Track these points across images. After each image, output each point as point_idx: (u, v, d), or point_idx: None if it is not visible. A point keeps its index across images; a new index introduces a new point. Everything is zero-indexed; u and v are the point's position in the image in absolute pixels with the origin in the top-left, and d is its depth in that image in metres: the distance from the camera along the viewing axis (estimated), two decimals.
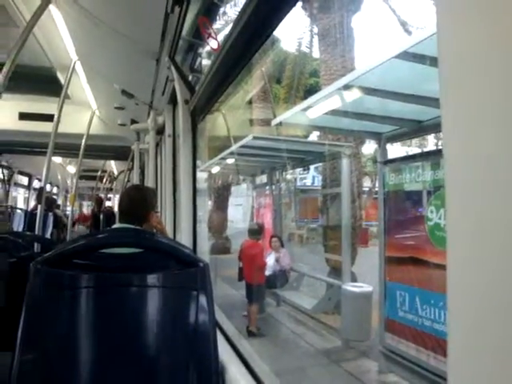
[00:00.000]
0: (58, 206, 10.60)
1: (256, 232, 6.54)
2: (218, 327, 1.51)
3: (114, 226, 2.14)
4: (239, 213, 15.54)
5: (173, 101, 3.69)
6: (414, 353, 3.92)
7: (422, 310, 3.86)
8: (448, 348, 0.43)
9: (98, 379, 1.26)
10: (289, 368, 4.52)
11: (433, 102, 3.74)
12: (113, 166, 11.94)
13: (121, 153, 7.36)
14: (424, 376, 3.72)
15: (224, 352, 1.47)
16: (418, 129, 4.47)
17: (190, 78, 3.11)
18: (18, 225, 8.47)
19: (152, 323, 1.32)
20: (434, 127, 4.24)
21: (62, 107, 4.13)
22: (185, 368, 1.30)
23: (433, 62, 3.24)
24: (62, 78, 4.49)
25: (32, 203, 10.16)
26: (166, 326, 1.33)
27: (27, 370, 1.22)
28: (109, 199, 15.09)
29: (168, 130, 3.86)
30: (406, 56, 3.42)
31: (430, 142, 13.00)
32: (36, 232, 4.13)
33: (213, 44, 2.34)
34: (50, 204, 6.53)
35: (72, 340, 1.26)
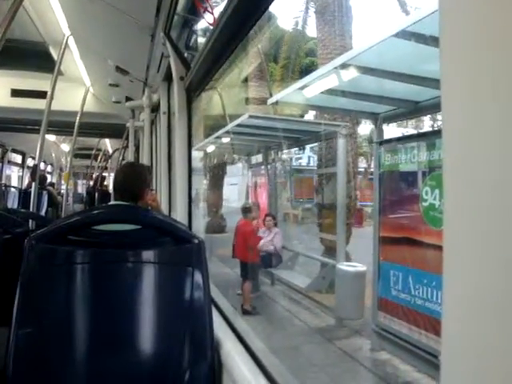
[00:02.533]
0: (52, 184, 10.56)
1: (250, 211, 6.56)
2: (213, 304, 1.52)
3: (109, 204, 2.14)
4: (234, 192, 15.51)
5: (168, 78, 3.64)
6: (405, 331, 3.98)
7: (415, 289, 3.90)
8: (442, 329, 0.43)
9: (94, 353, 1.27)
10: (283, 345, 4.58)
11: (430, 82, 3.71)
12: (107, 143, 11.86)
13: (115, 130, 7.28)
14: (415, 354, 3.79)
15: (219, 328, 1.49)
16: (415, 109, 4.44)
17: (186, 55, 3.06)
18: (12, 203, 8.43)
19: (147, 299, 1.32)
20: (431, 108, 4.22)
21: (55, 84, 4.06)
22: (180, 343, 1.31)
23: (431, 41, 3.19)
24: (54, 53, 4.39)
25: (26, 181, 10.09)
26: (161, 301, 1.33)
27: (24, 345, 1.23)
28: (103, 178, 15.06)
29: (163, 108, 3.82)
30: (405, 35, 3.37)
31: (426, 124, 12.97)
32: (31, 210, 4.10)
33: (209, 18, 2.30)
34: (41, 182, 6.49)
35: (67, 315, 1.27)
